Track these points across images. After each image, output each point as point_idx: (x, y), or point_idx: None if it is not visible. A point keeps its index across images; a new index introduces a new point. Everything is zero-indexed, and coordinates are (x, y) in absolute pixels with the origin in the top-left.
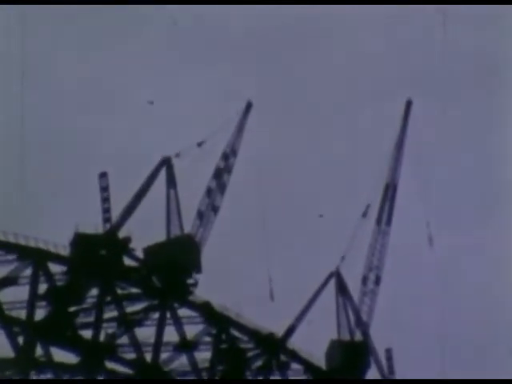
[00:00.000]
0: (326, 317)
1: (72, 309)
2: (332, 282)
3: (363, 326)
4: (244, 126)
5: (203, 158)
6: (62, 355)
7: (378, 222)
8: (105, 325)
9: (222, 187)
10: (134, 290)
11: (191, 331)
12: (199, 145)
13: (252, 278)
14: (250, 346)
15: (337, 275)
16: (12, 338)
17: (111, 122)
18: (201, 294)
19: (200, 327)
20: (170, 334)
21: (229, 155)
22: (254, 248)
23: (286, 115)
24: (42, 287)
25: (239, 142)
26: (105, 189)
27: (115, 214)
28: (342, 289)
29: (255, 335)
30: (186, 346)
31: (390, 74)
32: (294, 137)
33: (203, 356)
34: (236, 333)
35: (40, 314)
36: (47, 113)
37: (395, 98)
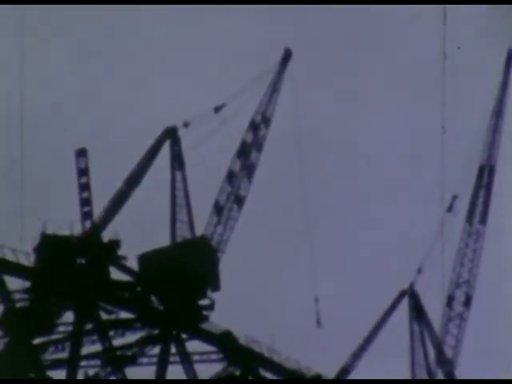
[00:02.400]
0: (396, 352)
1: (37, 340)
2: (404, 304)
3: (447, 364)
4: (280, 85)
5: (223, 128)
6: None
7: (469, 219)
8: (83, 363)
9: (248, 170)
10: (125, 315)
11: (205, 372)
12: (217, 110)
13: (290, 298)
14: None
15: (411, 294)
16: None
17: (98, 82)
18: (218, 320)
19: (217, 367)
20: (175, 376)
21: (259, 125)
22: (292, 256)
23: (334, 69)
24: None
25: (273, 106)
26: (83, 172)
27: (98, 207)
28: (417, 313)
29: (295, 378)
30: None
31: None
32: (346, 100)
33: None
34: (267, 374)
35: None
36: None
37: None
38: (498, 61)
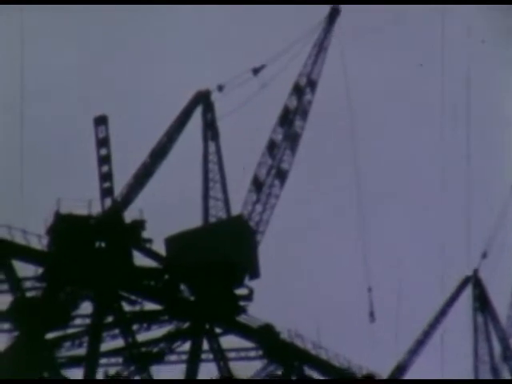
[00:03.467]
0: (457, 346)
1: (51, 335)
2: (467, 293)
3: None
4: (327, 44)
5: (262, 92)
6: None
7: None
8: (104, 361)
9: (292, 140)
10: (151, 306)
11: (242, 371)
12: (256, 72)
13: (339, 288)
14: None
15: (475, 282)
16: None
17: (119, 43)
18: (257, 312)
19: (257, 364)
20: (208, 375)
21: (304, 88)
22: (341, 239)
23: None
24: (4, 300)
25: (320, 67)
26: (103, 142)
27: (120, 183)
28: (482, 303)
29: (344, 377)
30: None
31: None
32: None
33: None
34: (313, 373)
35: (0, 342)
36: None
37: None
38: None
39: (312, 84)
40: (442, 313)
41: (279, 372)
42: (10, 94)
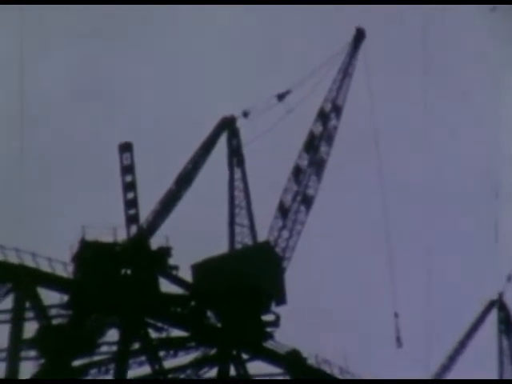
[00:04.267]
0: (482, 371)
1: (77, 362)
2: (492, 317)
3: None
4: (352, 69)
5: (287, 118)
6: None
7: None
8: None
9: (318, 166)
10: (177, 333)
11: None
12: (281, 97)
13: (366, 313)
14: None
15: (500, 306)
16: None
17: (142, 65)
18: (284, 337)
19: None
20: None
21: (329, 114)
22: (367, 264)
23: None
24: (30, 327)
25: (345, 93)
26: (128, 169)
27: (145, 210)
28: (507, 326)
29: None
30: None
31: None
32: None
33: None
34: None
35: (26, 370)
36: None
37: None
38: None
39: (337, 109)
40: (468, 336)
41: None
42: (10, 95)
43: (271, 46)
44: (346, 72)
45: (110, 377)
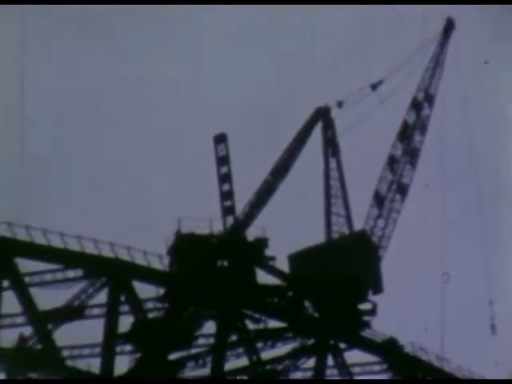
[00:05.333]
0: None
1: (174, 356)
2: None
3: None
4: (443, 58)
5: (381, 108)
6: None
7: None
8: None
9: (412, 154)
10: (275, 324)
11: None
12: (374, 87)
13: (460, 300)
14: None
15: None
16: None
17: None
18: (381, 326)
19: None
20: None
21: (422, 103)
22: (463, 252)
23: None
24: (126, 321)
25: (437, 82)
26: (223, 161)
27: (241, 201)
28: None
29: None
30: None
31: None
32: None
33: None
34: None
35: (122, 364)
36: None
37: None
38: None
39: (430, 98)
40: None
41: None
42: (10, 95)
43: (363, 36)
44: (437, 61)
45: (207, 370)
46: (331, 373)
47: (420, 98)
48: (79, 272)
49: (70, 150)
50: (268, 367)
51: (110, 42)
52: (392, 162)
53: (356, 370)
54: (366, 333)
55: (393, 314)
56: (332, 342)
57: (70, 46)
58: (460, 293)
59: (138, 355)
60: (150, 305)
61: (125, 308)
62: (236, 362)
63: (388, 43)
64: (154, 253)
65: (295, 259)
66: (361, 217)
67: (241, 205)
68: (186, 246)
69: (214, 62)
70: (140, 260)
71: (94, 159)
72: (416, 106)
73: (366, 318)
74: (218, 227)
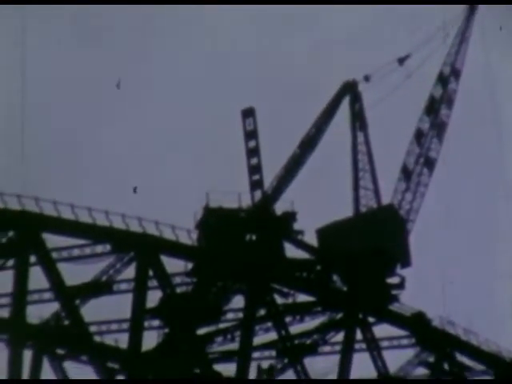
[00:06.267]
0: None
1: (203, 330)
2: None
3: None
4: (469, 34)
5: (408, 82)
6: None
7: None
8: (257, 354)
9: (439, 128)
10: (303, 298)
11: (394, 360)
12: (401, 61)
13: (487, 274)
14: (486, 378)
15: None
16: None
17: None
18: (409, 300)
19: (409, 353)
20: (361, 366)
21: (448, 78)
22: (489, 226)
23: None
24: (153, 296)
25: (463, 57)
26: (251, 135)
27: (269, 175)
28: None
29: (494, 363)
30: None
31: None
32: None
33: None
34: (465, 359)
35: (150, 339)
36: None
37: None
38: None
39: (456, 73)
40: None
41: (431, 359)
42: (10, 95)
43: (390, 10)
44: (463, 36)
45: (235, 345)
46: (360, 347)
47: (446, 72)
48: (107, 247)
49: (89, 133)
50: (297, 341)
51: (110, 42)
52: (419, 135)
53: (384, 343)
54: (395, 307)
55: (422, 287)
56: (360, 315)
57: (69, 46)
58: (485, 265)
59: (166, 330)
60: (178, 279)
61: (153, 283)
62: (264, 336)
63: (415, 17)
64: (183, 227)
65: (323, 233)
66: (389, 191)
67: (269, 179)
68: (214, 221)
69: (242, 36)
70: (168, 234)
71: (119, 138)
72: (442, 80)
73: (394, 292)
74: (246, 201)
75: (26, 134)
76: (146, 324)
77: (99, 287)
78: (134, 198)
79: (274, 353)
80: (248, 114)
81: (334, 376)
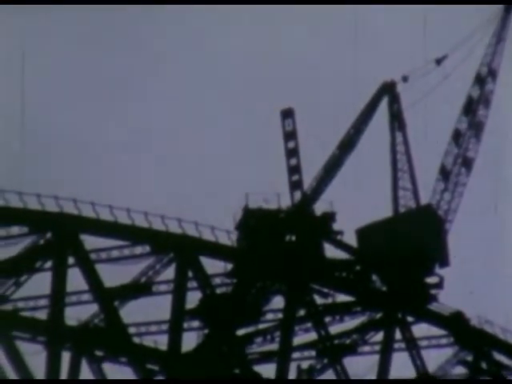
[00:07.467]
0: None
1: (242, 331)
2: None
3: None
4: (505, 34)
5: (445, 82)
6: None
7: None
8: (296, 355)
9: (476, 128)
10: (343, 298)
11: (433, 359)
12: (439, 62)
13: None
14: None
15: None
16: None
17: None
18: (447, 299)
19: (448, 352)
20: (401, 366)
21: (485, 78)
22: None
23: None
24: (193, 297)
25: (500, 57)
26: (291, 135)
27: (308, 176)
28: None
29: None
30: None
31: None
32: None
33: None
34: (503, 358)
35: (190, 340)
36: None
37: None
38: None
39: (493, 73)
40: None
41: (469, 358)
42: (10, 95)
43: (428, 9)
44: (499, 36)
45: (275, 345)
46: (399, 346)
47: (483, 73)
48: (146, 248)
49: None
50: (336, 341)
51: (111, 42)
52: (457, 135)
53: (423, 343)
54: (433, 306)
55: (460, 287)
56: (400, 315)
57: (69, 46)
58: None
59: (206, 331)
60: (217, 280)
61: (192, 284)
62: (304, 336)
63: (452, 17)
64: (222, 228)
65: (363, 233)
66: (427, 191)
67: (308, 179)
68: (254, 221)
69: (281, 37)
70: (208, 236)
71: (157, 135)
72: (480, 80)
73: (432, 292)
74: (285, 202)
75: (26, 134)
76: (186, 325)
77: (138, 288)
78: (174, 198)
79: (313, 353)
80: (287, 114)
81: (373, 376)
